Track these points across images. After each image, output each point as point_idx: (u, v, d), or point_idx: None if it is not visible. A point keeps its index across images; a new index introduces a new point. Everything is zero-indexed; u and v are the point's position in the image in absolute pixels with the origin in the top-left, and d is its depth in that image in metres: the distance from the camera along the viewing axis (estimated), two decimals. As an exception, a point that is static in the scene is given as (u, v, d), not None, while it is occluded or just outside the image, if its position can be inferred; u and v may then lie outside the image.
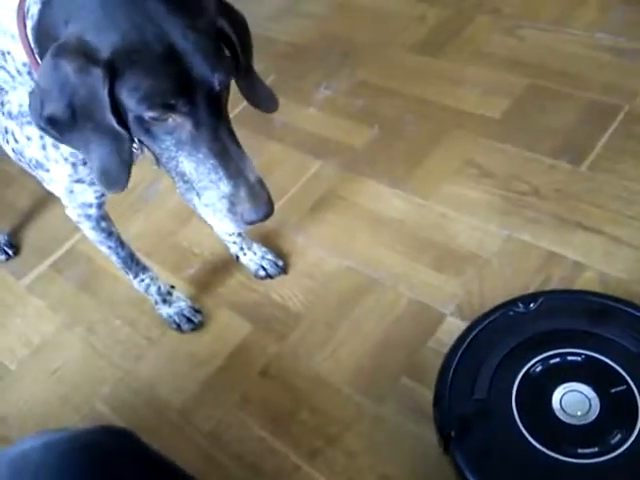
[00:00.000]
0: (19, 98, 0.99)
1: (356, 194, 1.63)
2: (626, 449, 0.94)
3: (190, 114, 0.83)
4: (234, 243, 1.51)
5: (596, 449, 0.95)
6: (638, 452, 0.93)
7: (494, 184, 1.53)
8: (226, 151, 0.86)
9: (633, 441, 0.94)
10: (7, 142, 1.07)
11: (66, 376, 1.48)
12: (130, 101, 0.80)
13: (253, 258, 1.52)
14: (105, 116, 0.81)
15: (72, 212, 1.22)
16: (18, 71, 0.96)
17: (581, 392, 1.01)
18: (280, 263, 1.52)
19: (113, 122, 0.82)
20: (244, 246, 1.51)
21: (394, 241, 1.50)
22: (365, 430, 1.22)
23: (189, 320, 1.47)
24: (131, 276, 1.42)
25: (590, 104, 1.63)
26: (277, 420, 1.28)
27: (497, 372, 1.06)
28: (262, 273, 1.51)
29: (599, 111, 1.60)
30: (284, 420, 1.27)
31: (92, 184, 1.12)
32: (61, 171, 1.07)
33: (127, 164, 0.87)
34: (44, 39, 0.86)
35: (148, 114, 0.82)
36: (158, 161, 0.92)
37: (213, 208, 0.89)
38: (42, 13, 0.86)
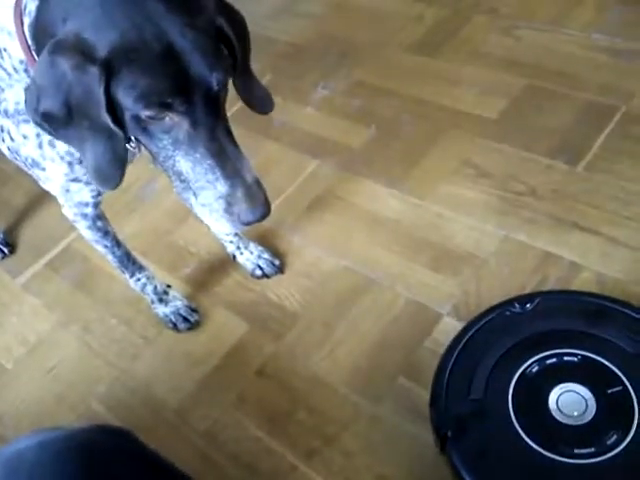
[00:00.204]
0: (15, 96, 0.99)
1: (353, 194, 1.63)
2: (622, 449, 0.94)
3: (187, 113, 0.83)
4: (231, 242, 1.51)
5: (592, 449, 0.95)
6: (634, 452, 0.94)
7: (491, 184, 1.54)
8: (223, 151, 0.86)
9: (629, 442, 0.94)
10: (3, 140, 1.06)
11: (62, 375, 1.48)
12: (127, 100, 0.80)
13: (250, 257, 1.51)
14: (100, 114, 0.81)
15: (68, 211, 1.22)
16: (15, 68, 0.95)
17: (577, 392, 1.01)
18: (277, 262, 1.52)
19: (108, 121, 0.81)
20: (241, 245, 1.51)
21: (391, 241, 1.50)
22: (362, 430, 1.22)
23: (185, 319, 1.46)
24: (127, 275, 1.41)
25: (587, 104, 1.63)
26: (274, 420, 1.28)
27: (493, 372, 1.06)
28: (259, 272, 1.51)
29: (596, 111, 1.61)
30: (281, 420, 1.27)
31: (88, 183, 1.11)
32: (57, 170, 1.06)
33: (121, 163, 0.87)
34: (41, 36, 0.85)
35: (145, 113, 0.81)
36: (155, 160, 0.91)
37: (210, 208, 0.89)
38: (39, 10, 0.86)
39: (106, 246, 1.32)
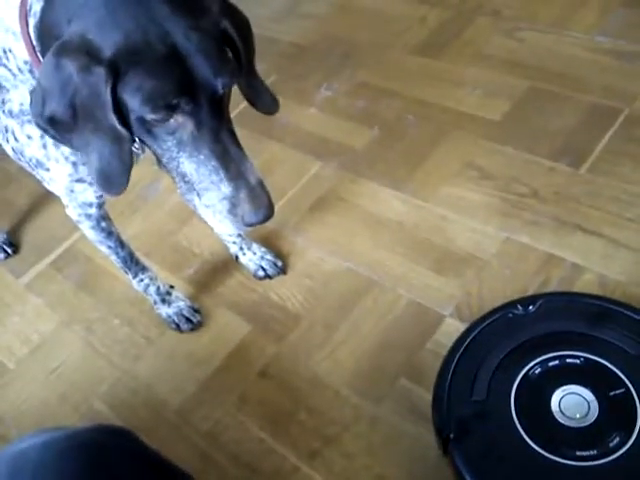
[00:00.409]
0: (20, 96, 0.99)
1: (356, 195, 1.63)
2: (625, 452, 0.94)
3: (192, 115, 0.83)
4: (234, 243, 1.51)
5: (595, 452, 0.95)
6: (636, 455, 0.94)
7: (494, 186, 1.54)
8: (227, 153, 0.86)
9: (632, 444, 0.94)
10: (7, 141, 1.06)
11: (64, 375, 1.48)
12: (133, 102, 0.80)
13: (252, 258, 1.52)
14: (107, 116, 0.80)
15: (72, 211, 1.22)
16: (19, 69, 0.95)
17: (580, 395, 1.01)
18: (279, 263, 1.52)
19: (115, 122, 0.81)
20: (244, 246, 1.51)
21: (393, 242, 1.50)
22: (363, 431, 1.22)
23: (188, 320, 1.47)
24: (130, 276, 1.41)
25: (590, 107, 1.63)
26: (275, 421, 1.28)
27: (496, 374, 1.06)
28: (261, 273, 1.51)
29: (599, 114, 1.60)
30: (282, 421, 1.27)
31: (92, 184, 1.11)
32: (61, 170, 1.06)
33: (127, 165, 0.87)
34: (46, 37, 0.86)
35: (151, 116, 0.82)
36: (159, 161, 0.92)
37: (213, 209, 0.89)
38: (44, 11, 0.86)
39: (110, 247, 1.32)
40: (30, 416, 1.43)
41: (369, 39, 2.09)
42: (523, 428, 1.00)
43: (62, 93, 0.80)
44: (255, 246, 1.52)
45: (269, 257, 1.52)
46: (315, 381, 1.31)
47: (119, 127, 0.82)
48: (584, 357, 1.05)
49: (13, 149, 1.07)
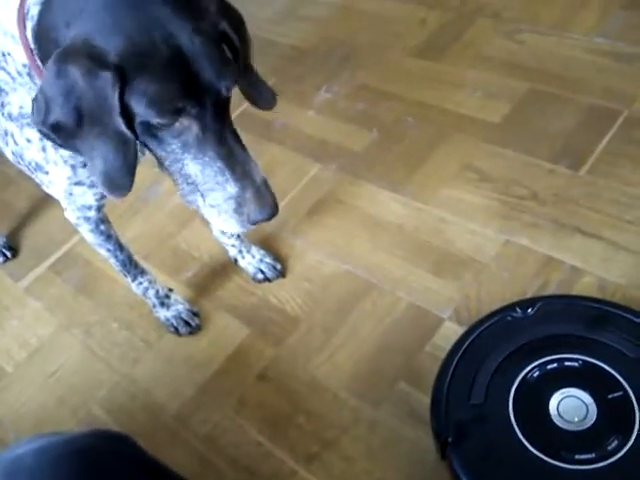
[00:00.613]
0: (19, 99, 0.99)
1: (355, 198, 1.63)
2: (623, 455, 0.94)
3: (198, 118, 0.83)
4: (232, 246, 1.51)
5: (593, 455, 0.95)
6: (634, 458, 0.93)
7: (493, 188, 1.53)
8: (232, 154, 0.87)
9: (630, 447, 0.94)
10: (7, 144, 1.06)
11: (63, 379, 1.48)
12: (139, 106, 0.80)
13: (251, 261, 1.51)
14: (114, 120, 0.80)
15: (71, 215, 1.22)
16: (18, 72, 0.95)
17: (578, 398, 1.01)
18: (278, 266, 1.52)
19: (122, 126, 0.81)
20: (243, 249, 1.51)
21: (392, 245, 1.50)
22: (362, 435, 1.22)
23: (187, 323, 1.46)
24: (129, 279, 1.41)
25: (590, 108, 1.63)
26: (274, 424, 1.27)
27: (494, 377, 1.06)
28: (260, 276, 1.51)
29: (598, 115, 1.60)
30: (281, 424, 1.27)
31: (92, 187, 1.11)
32: (60, 173, 1.06)
33: (132, 167, 0.87)
34: (44, 40, 0.86)
35: (156, 120, 0.82)
36: (161, 164, 0.91)
37: (218, 209, 0.90)
38: (42, 14, 0.86)
39: (109, 250, 1.32)
40: (28, 420, 1.43)
41: (369, 41, 2.09)
42: (521, 431, 0.99)
43: (66, 99, 0.79)
44: (254, 249, 1.52)
45: (268, 260, 1.52)
46: (314, 384, 1.31)
47: (125, 130, 0.81)
48: (583, 360, 1.04)
49: (13, 152, 1.07)
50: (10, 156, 1.09)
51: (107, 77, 0.77)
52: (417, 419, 1.18)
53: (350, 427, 1.23)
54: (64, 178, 1.08)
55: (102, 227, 1.27)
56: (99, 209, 1.22)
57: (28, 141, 1.03)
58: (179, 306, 1.47)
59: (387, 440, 1.20)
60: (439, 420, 1.04)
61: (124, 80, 0.78)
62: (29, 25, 0.89)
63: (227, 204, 0.88)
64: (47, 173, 1.07)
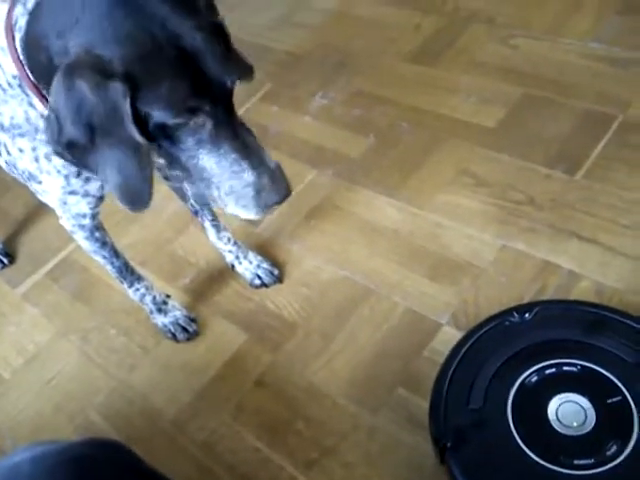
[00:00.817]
0: (11, 110, 0.98)
1: (352, 203, 1.63)
2: (622, 460, 0.94)
3: (211, 114, 0.84)
4: (230, 252, 1.51)
5: (592, 460, 0.95)
6: (634, 463, 0.93)
7: (489, 193, 1.54)
8: (245, 145, 0.89)
9: (629, 452, 0.94)
10: (0, 154, 1.06)
11: (60, 385, 1.47)
12: (154, 110, 0.80)
13: (249, 267, 1.51)
14: (128, 129, 0.79)
15: (66, 222, 1.22)
16: (9, 84, 0.94)
17: (577, 403, 1.01)
18: (275, 272, 1.52)
19: (136, 134, 0.80)
20: (240, 255, 1.51)
21: (389, 250, 1.50)
22: (361, 440, 1.21)
23: (184, 329, 1.46)
24: (126, 285, 1.41)
25: (585, 113, 1.63)
26: (272, 430, 1.27)
27: (493, 382, 1.06)
28: (257, 282, 1.51)
29: (594, 120, 1.61)
30: (279, 430, 1.27)
31: (85, 195, 1.11)
32: (54, 183, 1.06)
33: (149, 175, 0.86)
34: (33, 51, 0.85)
35: (173, 121, 0.82)
36: (169, 167, 0.92)
37: (237, 197, 0.91)
38: (30, 24, 0.85)
39: (104, 256, 1.32)
40: (26, 426, 1.42)
41: (364, 47, 2.09)
42: (520, 437, 0.99)
43: (77, 115, 0.78)
44: (251, 255, 1.52)
45: (265, 266, 1.51)
46: (312, 390, 1.31)
47: (139, 137, 0.81)
48: (581, 365, 1.05)
49: (6, 162, 1.07)
50: (4, 165, 1.09)
51: (117, 87, 0.76)
52: (416, 424, 1.18)
53: (349, 433, 1.23)
54: (58, 187, 1.07)
55: (97, 234, 1.27)
56: (93, 217, 1.22)
57: (20, 151, 1.02)
58: (176, 312, 1.47)
59: (386, 446, 1.19)
60: (438, 425, 1.05)
61: (134, 87, 0.78)
62: (17, 36, 0.88)
63: (245, 191, 0.90)
64: (41, 183, 1.07)
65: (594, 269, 1.33)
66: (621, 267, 1.32)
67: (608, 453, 0.95)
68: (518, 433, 1.00)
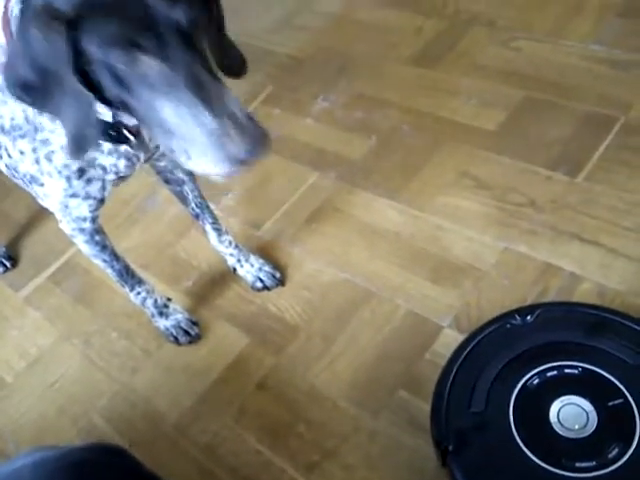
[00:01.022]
0: (10, 112, 0.99)
1: (353, 206, 1.63)
2: (624, 463, 0.94)
3: (158, 53, 0.80)
4: (231, 255, 1.51)
5: (594, 463, 0.95)
6: (635, 466, 0.93)
7: (490, 196, 1.54)
8: (204, 86, 0.82)
9: (631, 455, 0.94)
10: (0, 158, 1.06)
11: (63, 388, 1.48)
12: (94, 48, 0.80)
13: (250, 270, 1.51)
14: (68, 73, 0.81)
15: (66, 226, 1.22)
16: None
17: (578, 405, 1.01)
18: (277, 275, 1.52)
19: (74, 79, 0.82)
20: (241, 258, 1.51)
21: (390, 253, 1.50)
22: (362, 443, 1.21)
23: (186, 332, 1.46)
24: (127, 289, 1.41)
25: (586, 115, 1.63)
26: (274, 433, 1.27)
27: (494, 385, 1.06)
28: (259, 285, 1.51)
29: (595, 122, 1.61)
30: (281, 433, 1.27)
31: (87, 198, 1.11)
32: (56, 185, 1.06)
33: (95, 126, 0.87)
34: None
35: (113, 55, 0.80)
36: (149, 129, 0.89)
37: (198, 148, 0.83)
38: (23, 13, 0.85)
39: (104, 260, 1.31)
40: (28, 430, 1.42)
41: (365, 50, 2.10)
42: (522, 439, 0.99)
43: (27, 56, 0.81)
44: (253, 258, 1.52)
45: (267, 269, 1.52)
46: (313, 393, 1.31)
47: (80, 86, 0.83)
48: (582, 367, 1.04)
49: (7, 165, 1.07)
50: (5, 169, 1.09)
51: (59, 28, 0.78)
52: (417, 427, 1.18)
53: (350, 436, 1.23)
54: (60, 190, 1.08)
55: (97, 238, 1.26)
56: (94, 220, 1.22)
57: (21, 153, 1.03)
58: (178, 315, 1.47)
59: (387, 448, 1.19)
60: (439, 428, 1.04)
61: (79, 29, 0.79)
62: (14, 30, 0.88)
63: (207, 141, 0.82)
64: (42, 185, 1.07)
65: (596, 271, 1.33)
66: (623, 269, 1.32)
67: (610, 456, 0.95)
68: (520, 436, 1.00)
